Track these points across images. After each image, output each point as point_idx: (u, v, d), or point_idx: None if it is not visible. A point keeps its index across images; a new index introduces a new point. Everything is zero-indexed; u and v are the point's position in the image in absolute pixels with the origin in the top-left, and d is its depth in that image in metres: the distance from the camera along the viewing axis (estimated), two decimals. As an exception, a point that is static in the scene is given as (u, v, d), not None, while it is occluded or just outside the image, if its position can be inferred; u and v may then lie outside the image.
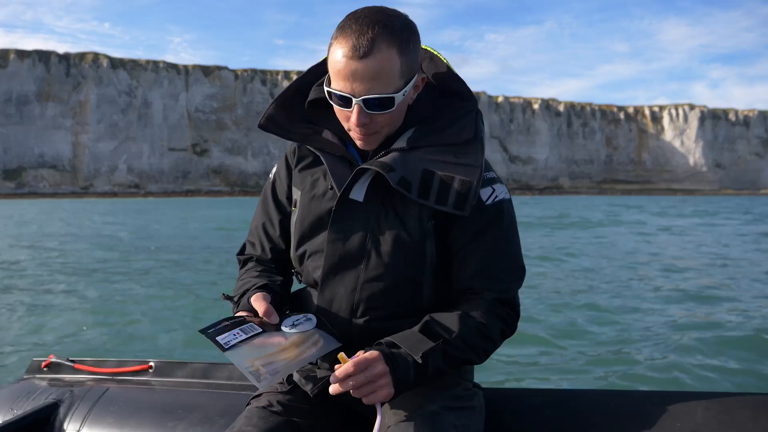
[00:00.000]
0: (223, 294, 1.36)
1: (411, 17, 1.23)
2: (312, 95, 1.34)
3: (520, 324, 1.29)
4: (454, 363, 1.22)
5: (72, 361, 1.91)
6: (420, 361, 1.15)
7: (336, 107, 1.24)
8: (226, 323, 1.19)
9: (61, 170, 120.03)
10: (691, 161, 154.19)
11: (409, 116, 1.28)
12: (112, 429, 1.59)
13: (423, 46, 1.32)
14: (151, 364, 1.85)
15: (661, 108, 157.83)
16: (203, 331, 1.15)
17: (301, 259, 1.34)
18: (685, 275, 10.09)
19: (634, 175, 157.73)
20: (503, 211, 1.29)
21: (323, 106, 1.31)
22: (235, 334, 1.16)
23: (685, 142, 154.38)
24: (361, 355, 1.13)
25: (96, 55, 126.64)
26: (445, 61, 1.35)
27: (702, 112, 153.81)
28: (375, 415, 1.16)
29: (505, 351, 4.85)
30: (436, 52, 1.36)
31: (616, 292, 8.43)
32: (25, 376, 1.94)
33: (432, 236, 1.26)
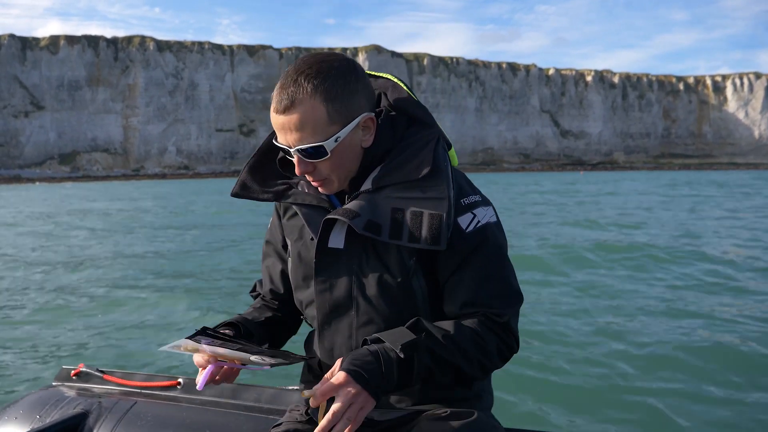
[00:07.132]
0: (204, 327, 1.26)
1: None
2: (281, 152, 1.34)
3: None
4: (443, 365, 1.17)
5: (101, 371, 1.91)
6: (401, 355, 1.11)
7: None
8: (219, 337, 1.19)
9: (113, 153, 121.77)
10: (756, 133, 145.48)
11: (372, 152, 1.27)
12: None
13: (385, 75, 1.36)
14: (180, 380, 1.83)
15: (724, 78, 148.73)
16: (195, 335, 1.15)
17: (301, 307, 1.37)
18: None
19: (694, 148, 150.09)
20: (487, 237, 1.25)
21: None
22: (210, 342, 1.17)
23: (750, 114, 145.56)
24: (328, 381, 1.09)
25: (143, 39, 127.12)
26: (405, 88, 1.35)
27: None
28: None
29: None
30: (397, 80, 1.36)
31: None
32: (53, 383, 1.94)
33: (418, 272, 1.24)
